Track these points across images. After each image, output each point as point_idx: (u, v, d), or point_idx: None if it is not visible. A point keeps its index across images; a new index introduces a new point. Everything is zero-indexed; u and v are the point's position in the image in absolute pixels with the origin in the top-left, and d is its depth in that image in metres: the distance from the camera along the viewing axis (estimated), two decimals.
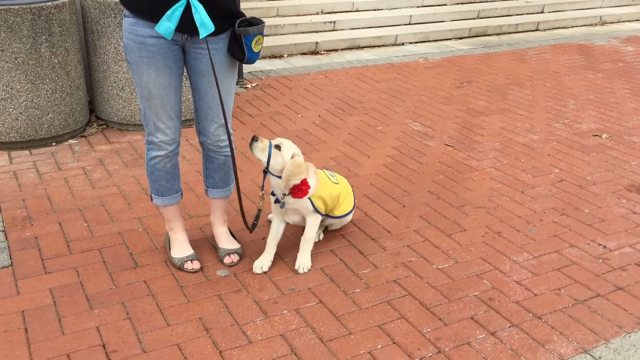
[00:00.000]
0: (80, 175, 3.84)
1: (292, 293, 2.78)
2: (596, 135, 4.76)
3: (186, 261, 2.91)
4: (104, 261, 2.97)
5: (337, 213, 3.08)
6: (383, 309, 2.68)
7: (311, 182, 2.86)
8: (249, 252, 3.08)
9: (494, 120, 5.04)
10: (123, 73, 4.43)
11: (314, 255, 3.05)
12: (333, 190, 3.01)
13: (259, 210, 2.88)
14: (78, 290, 2.74)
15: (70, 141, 4.39)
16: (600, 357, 2.43)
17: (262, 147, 2.74)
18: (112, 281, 2.82)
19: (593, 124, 5.01)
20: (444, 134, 4.72)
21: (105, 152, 4.22)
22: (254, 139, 2.75)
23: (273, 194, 2.91)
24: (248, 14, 2.73)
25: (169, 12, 2.42)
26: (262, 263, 2.92)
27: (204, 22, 2.47)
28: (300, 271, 2.91)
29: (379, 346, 2.46)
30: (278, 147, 2.76)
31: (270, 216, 3.25)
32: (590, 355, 2.44)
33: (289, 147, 2.79)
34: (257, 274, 2.90)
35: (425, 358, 2.40)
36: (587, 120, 5.10)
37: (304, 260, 2.94)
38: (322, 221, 3.10)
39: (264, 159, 2.74)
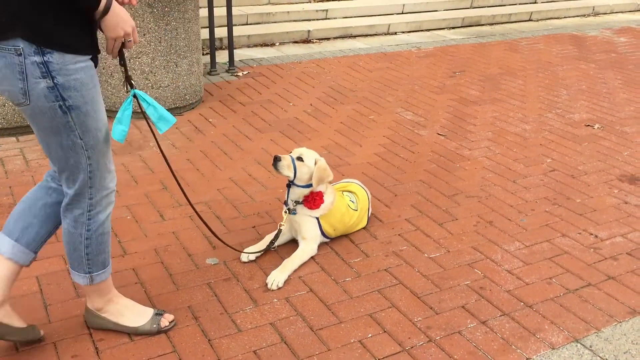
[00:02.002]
0: None
1: None
2: (588, 125, 4.75)
3: (159, 320, 2.41)
4: None
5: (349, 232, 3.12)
6: (374, 298, 2.66)
7: (326, 198, 2.92)
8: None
9: (487, 110, 5.02)
10: (112, 59, 4.37)
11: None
12: (349, 218, 3.04)
13: (280, 230, 2.89)
14: (65, 278, 2.70)
15: None
16: (591, 346, 2.43)
17: (287, 164, 2.82)
18: None
19: (585, 114, 5.00)
20: (436, 123, 4.70)
21: None
22: (277, 159, 2.81)
23: (286, 203, 2.94)
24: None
25: (118, 115, 2.08)
26: (249, 251, 2.90)
27: (162, 116, 2.15)
28: (270, 287, 2.67)
29: (370, 335, 2.44)
30: (300, 158, 2.85)
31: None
32: (581, 344, 2.44)
33: (310, 155, 2.88)
34: (243, 262, 2.87)
35: (416, 347, 2.39)
36: (580, 110, 5.09)
37: (277, 276, 2.71)
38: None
39: (291, 174, 2.84)
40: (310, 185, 2.88)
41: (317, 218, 2.92)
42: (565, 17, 8.99)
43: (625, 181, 3.84)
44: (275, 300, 2.63)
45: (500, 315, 2.58)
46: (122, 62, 2.10)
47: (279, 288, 2.69)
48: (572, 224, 3.32)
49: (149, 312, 2.42)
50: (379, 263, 2.91)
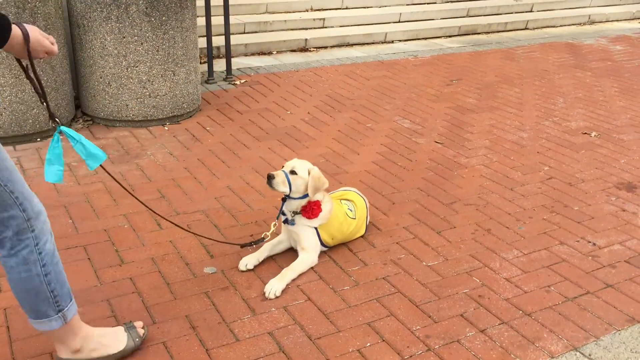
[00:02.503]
0: (65, 172, 3.78)
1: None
2: (585, 133, 4.76)
3: (135, 331, 2.34)
4: (88, 258, 2.92)
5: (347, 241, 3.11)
6: (372, 307, 2.65)
7: (324, 207, 2.93)
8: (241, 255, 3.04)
9: (484, 117, 5.03)
10: (109, 68, 4.37)
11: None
12: (347, 227, 3.04)
13: (263, 239, 2.92)
14: None
15: None
16: (590, 355, 2.42)
17: (281, 181, 2.83)
18: (97, 278, 2.77)
19: (582, 122, 5.01)
20: (434, 131, 4.70)
21: None
22: (270, 177, 2.82)
23: (283, 213, 2.94)
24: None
25: (48, 155, 1.98)
26: (248, 261, 2.89)
27: (91, 153, 2.06)
28: (268, 295, 2.67)
29: (368, 344, 2.43)
30: (293, 172, 2.85)
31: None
32: (580, 352, 2.43)
33: (303, 166, 2.89)
34: (241, 271, 2.86)
35: (415, 356, 2.38)
36: (576, 118, 5.10)
37: (275, 285, 2.70)
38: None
39: (287, 189, 2.84)
40: (306, 196, 2.89)
41: (316, 228, 2.91)
42: (561, 26, 9.02)
43: (622, 189, 3.84)
44: (273, 309, 2.62)
45: (499, 324, 2.57)
46: (44, 98, 2.00)
47: (277, 297, 2.68)
48: (570, 231, 3.32)
49: (120, 329, 2.32)
50: (377, 271, 2.90)
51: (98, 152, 2.08)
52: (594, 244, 3.20)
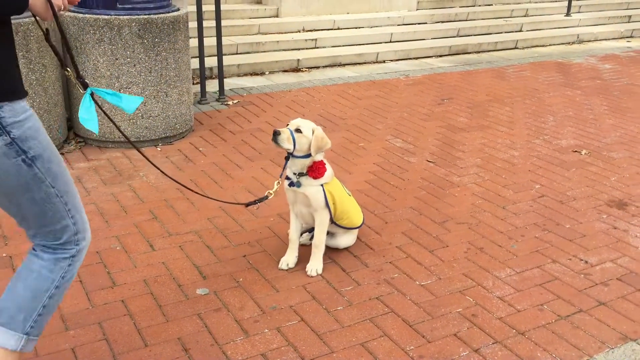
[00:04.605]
0: None
1: (273, 311, 2.73)
2: (576, 151, 4.80)
3: None
4: (80, 280, 2.90)
5: (343, 224, 3.12)
6: (366, 327, 2.64)
7: (327, 167, 3.03)
8: (266, 247, 3.03)
9: (475, 136, 5.07)
10: None
11: (295, 272, 3.01)
12: (349, 202, 3.13)
13: (267, 197, 2.99)
14: None
15: None
16: None
17: (286, 137, 2.89)
18: (89, 301, 2.76)
19: (572, 140, 5.05)
20: (426, 150, 4.73)
21: (84, 170, 4.16)
22: (276, 133, 2.88)
23: (288, 178, 3.00)
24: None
25: (83, 115, 1.96)
26: (288, 260, 3.05)
27: (128, 98, 2.06)
28: (310, 274, 2.99)
29: None
30: (298, 130, 2.91)
31: (289, 232, 3.19)
32: None
33: (307, 125, 2.94)
34: (281, 269, 3.03)
35: None
36: (567, 136, 5.14)
37: (315, 264, 3.02)
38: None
39: (291, 146, 2.89)
40: (308, 156, 2.94)
41: (322, 186, 2.98)
42: (550, 45, 9.14)
43: (613, 206, 3.87)
44: (266, 330, 2.60)
45: (493, 343, 2.57)
46: (72, 62, 1.98)
47: (319, 274, 2.99)
48: (562, 249, 3.33)
49: None
50: (370, 291, 2.90)
51: (134, 97, 2.08)
52: (586, 262, 3.21)
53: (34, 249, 2.01)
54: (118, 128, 2.15)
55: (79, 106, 4.74)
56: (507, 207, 3.80)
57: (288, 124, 2.96)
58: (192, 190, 2.71)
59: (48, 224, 1.93)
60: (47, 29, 1.90)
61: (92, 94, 1.98)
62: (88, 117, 1.96)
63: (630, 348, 2.57)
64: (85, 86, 1.98)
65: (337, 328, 2.63)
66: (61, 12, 1.86)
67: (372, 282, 2.97)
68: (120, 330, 2.57)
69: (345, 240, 3.21)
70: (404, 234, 3.43)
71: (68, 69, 2.02)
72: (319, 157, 2.99)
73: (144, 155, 2.35)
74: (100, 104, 2.06)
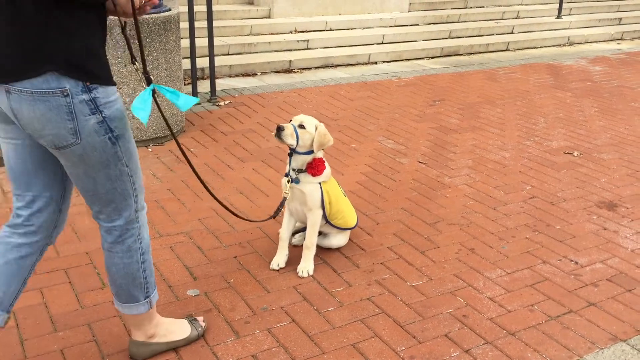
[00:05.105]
0: None
1: (264, 312, 2.72)
2: (567, 152, 4.82)
3: (197, 323, 2.54)
4: (69, 282, 2.89)
5: (338, 223, 3.12)
6: (357, 328, 2.64)
7: (326, 166, 3.05)
8: (258, 247, 3.02)
9: (466, 137, 5.08)
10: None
11: (286, 273, 3.01)
12: (344, 201, 3.14)
13: (285, 198, 3.00)
14: (42, 311, 2.65)
15: None
16: None
17: (290, 133, 2.91)
18: (78, 302, 2.74)
19: (563, 141, 5.08)
20: (417, 151, 4.73)
21: None
22: (280, 128, 2.88)
23: (287, 174, 3.02)
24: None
25: (138, 105, 2.02)
26: (279, 260, 3.05)
27: (185, 97, 2.13)
28: (301, 275, 2.99)
29: None
30: (302, 126, 2.93)
31: (280, 230, 3.19)
32: None
33: (311, 122, 2.96)
34: (272, 269, 3.03)
35: None
36: (557, 138, 5.17)
37: (306, 265, 3.02)
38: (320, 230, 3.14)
39: (294, 141, 2.91)
40: (311, 152, 2.96)
41: (320, 184, 2.99)
42: (541, 47, 9.18)
43: (603, 207, 3.88)
44: (257, 331, 2.60)
45: (484, 344, 2.57)
46: (142, 57, 2.05)
47: (310, 275, 2.99)
48: (552, 250, 3.34)
49: (184, 321, 2.51)
50: (361, 292, 2.90)
51: (190, 97, 2.15)
52: (576, 263, 3.23)
53: (104, 246, 2.19)
54: (169, 126, 2.24)
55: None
56: (498, 208, 3.82)
57: (291, 120, 2.97)
58: (227, 209, 2.55)
59: (113, 201, 2.09)
60: (125, 22, 2.08)
61: (153, 90, 2.07)
62: (141, 107, 2.04)
63: (620, 348, 2.58)
64: (149, 82, 2.08)
65: (328, 329, 2.63)
66: (143, 16, 2.02)
67: (363, 282, 2.97)
68: (110, 331, 2.56)
69: (338, 240, 3.21)
70: (395, 235, 3.44)
71: (137, 63, 2.12)
72: (319, 154, 3.01)
73: (186, 157, 2.34)
74: (159, 102, 2.20)
